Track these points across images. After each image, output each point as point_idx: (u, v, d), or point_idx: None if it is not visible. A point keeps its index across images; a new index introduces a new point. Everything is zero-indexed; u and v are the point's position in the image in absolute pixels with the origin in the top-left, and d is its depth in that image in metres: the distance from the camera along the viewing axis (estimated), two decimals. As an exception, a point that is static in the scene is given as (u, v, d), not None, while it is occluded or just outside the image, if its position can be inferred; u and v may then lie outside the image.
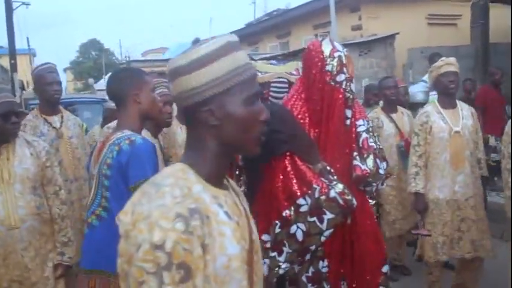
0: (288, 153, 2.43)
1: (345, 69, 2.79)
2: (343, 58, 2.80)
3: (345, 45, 10.43)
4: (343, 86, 2.78)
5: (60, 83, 3.94)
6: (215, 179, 1.20)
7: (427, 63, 7.47)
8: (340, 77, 2.78)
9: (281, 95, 3.48)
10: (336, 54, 2.78)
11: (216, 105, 1.15)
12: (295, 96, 2.94)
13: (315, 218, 2.34)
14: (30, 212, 2.78)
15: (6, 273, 2.71)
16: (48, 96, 3.79)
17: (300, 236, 2.37)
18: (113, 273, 2.00)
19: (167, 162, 3.33)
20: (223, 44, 1.16)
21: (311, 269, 2.64)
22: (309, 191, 2.34)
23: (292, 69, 3.59)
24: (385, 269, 2.80)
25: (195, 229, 1.03)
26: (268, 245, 2.42)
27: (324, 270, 2.65)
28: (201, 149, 1.19)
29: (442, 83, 3.83)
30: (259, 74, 3.44)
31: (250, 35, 19.59)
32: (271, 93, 3.48)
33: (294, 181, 2.39)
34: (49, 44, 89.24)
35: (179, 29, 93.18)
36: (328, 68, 2.77)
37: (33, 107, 7.46)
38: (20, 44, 15.37)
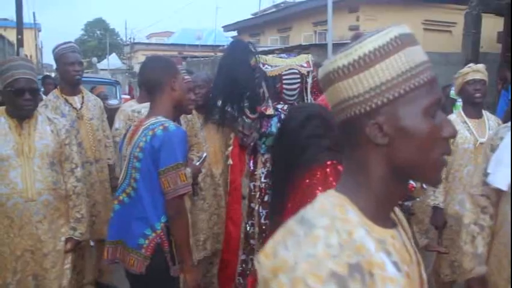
0: (329, 163, 2.12)
1: None
2: None
3: (340, 44, 10.87)
4: None
5: (81, 63, 3.84)
6: (382, 215, 0.94)
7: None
8: None
9: (294, 86, 3.54)
10: None
11: (386, 118, 0.90)
12: None
13: None
14: (47, 187, 2.81)
15: (20, 242, 2.76)
16: (69, 76, 3.72)
17: None
18: (131, 247, 2.36)
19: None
20: (394, 38, 0.91)
21: None
22: None
23: (303, 61, 3.63)
24: None
25: None
26: None
27: None
28: (364, 176, 0.93)
29: (467, 91, 3.50)
30: (270, 67, 3.53)
31: (252, 27, 20.03)
32: (284, 86, 3.54)
33: None
34: (55, 20, 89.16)
35: (185, 15, 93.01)
36: None
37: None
38: (26, 18, 15.64)
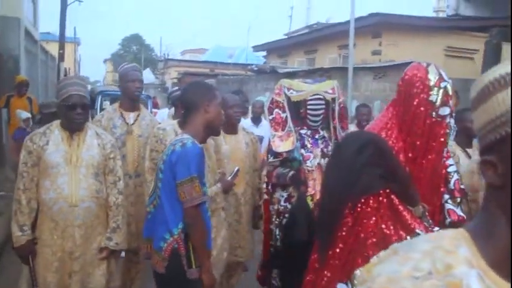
0: (382, 191, 2.05)
1: (450, 102, 2.54)
2: (449, 89, 2.54)
3: (362, 68, 11.28)
4: (447, 121, 2.53)
5: (142, 81, 4.06)
6: (506, 266, 0.79)
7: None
8: (444, 111, 2.52)
9: (318, 112, 3.51)
10: (443, 84, 2.52)
11: (501, 155, 0.78)
12: (387, 126, 2.67)
13: None
14: (90, 195, 2.98)
15: (61, 244, 2.94)
16: (129, 92, 3.93)
17: None
18: (154, 249, 2.63)
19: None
20: None
21: None
22: (408, 237, 1.95)
23: (328, 87, 3.58)
24: None
25: None
26: None
27: None
28: (500, 219, 0.80)
29: None
30: (295, 92, 3.55)
31: (281, 48, 20.52)
32: (308, 111, 3.53)
33: (390, 224, 2.02)
34: (94, 34, 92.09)
35: (217, 33, 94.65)
36: (432, 98, 2.51)
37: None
38: (67, 32, 16.57)
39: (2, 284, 4.15)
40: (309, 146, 3.55)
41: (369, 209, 2.03)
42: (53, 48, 19.74)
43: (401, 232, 2.00)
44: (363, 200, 2.05)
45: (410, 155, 2.57)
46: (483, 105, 0.81)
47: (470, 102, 0.87)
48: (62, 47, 15.56)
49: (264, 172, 3.84)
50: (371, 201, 2.03)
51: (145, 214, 3.88)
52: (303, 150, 3.52)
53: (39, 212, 2.99)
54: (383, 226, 2.01)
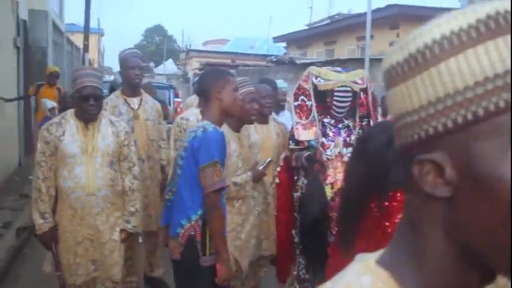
0: None
1: None
2: None
3: (378, 59, 11.32)
4: None
5: (142, 68, 4.07)
6: None
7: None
8: None
9: (345, 104, 3.47)
10: None
11: (450, 154, 0.54)
12: None
13: None
14: (106, 183, 3.05)
15: (81, 230, 3.04)
16: (129, 79, 3.95)
17: None
18: (171, 235, 2.67)
19: None
20: (475, 22, 0.52)
21: None
22: None
23: (357, 77, 3.52)
24: None
25: None
26: None
27: None
28: (416, 243, 0.59)
29: None
30: (322, 81, 3.48)
31: (301, 39, 20.63)
32: (334, 102, 3.48)
33: None
34: (117, 25, 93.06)
35: (239, 24, 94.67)
36: None
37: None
38: (91, 23, 16.96)
39: (36, 264, 4.36)
40: (330, 134, 3.55)
41: (396, 204, 1.98)
42: (78, 39, 20.20)
43: None
44: (390, 195, 2.00)
45: None
46: (428, 72, 0.54)
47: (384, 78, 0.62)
48: (86, 38, 15.93)
49: (282, 156, 3.80)
50: (398, 196, 1.98)
51: (157, 195, 3.99)
52: (324, 139, 3.52)
53: (58, 199, 3.07)
54: None
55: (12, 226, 5.55)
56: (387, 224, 1.99)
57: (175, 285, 2.82)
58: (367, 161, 2.04)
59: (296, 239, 3.66)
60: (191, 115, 3.51)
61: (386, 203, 1.98)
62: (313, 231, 3.38)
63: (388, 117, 5.37)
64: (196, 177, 2.53)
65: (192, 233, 2.57)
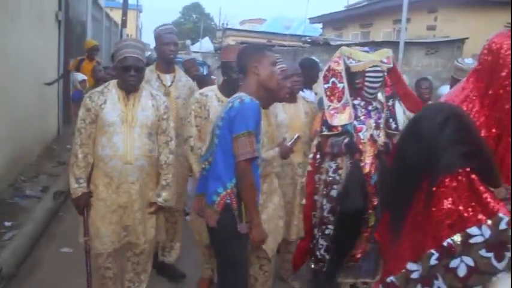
0: (461, 170, 1.93)
1: None
2: None
3: (414, 43, 11.04)
4: None
5: (176, 44, 4.05)
6: None
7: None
8: None
9: (376, 85, 3.46)
10: None
11: None
12: (468, 99, 2.50)
13: (491, 254, 1.84)
14: (143, 154, 3.10)
15: (116, 199, 3.10)
16: (164, 55, 3.96)
17: (462, 271, 1.88)
18: (207, 203, 2.71)
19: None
20: None
21: None
22: (489, 221, 1.85)
23: (384, 57, 3.51)
24: None
25: None
26: (414, 276, 1.99)
27: None
28: None
29: None
30: (354, 62, 3.47)
31: (337, 21, 20.37)
32: (366, 83, 3.45)
33: (469, 206, 1.89)
34: (155, 2, 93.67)
35: (276, 3, 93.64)
36: None
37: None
38: (130, -1, 17.24)
39: (70, 225, 4.59)
40: (362, 117, 3.51)
41: (444, 189, 1.93)
42: (116, 15, 20.53)
43: (480, 216, 1.86)
44: (439, 180, 1.94)
45: (494, 131, 2.39)
46: None
47: None
48: (124, 14, 16.20)
49: (315, 142, 3.68)
50: (447, 181, 1.92)
51: (183, 175, 4.07)
52: (355, 122, 3.48)
53: (94, 167, 3.12)
54: (460, 208, 1.89)
55: (50, 190, 5.83)
56: (434, 209, 1.94)
57: (215, 253, 2.88)
58: (420, 143, 2.01)
59: (314, 220, 3.65)
60: (210, 91, 3.53)
61: (434, 188, 1.94)
62: (353, 222, 3.37)
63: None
64: (231, 146, 2.58)
65: (228, 200, 2.62)
